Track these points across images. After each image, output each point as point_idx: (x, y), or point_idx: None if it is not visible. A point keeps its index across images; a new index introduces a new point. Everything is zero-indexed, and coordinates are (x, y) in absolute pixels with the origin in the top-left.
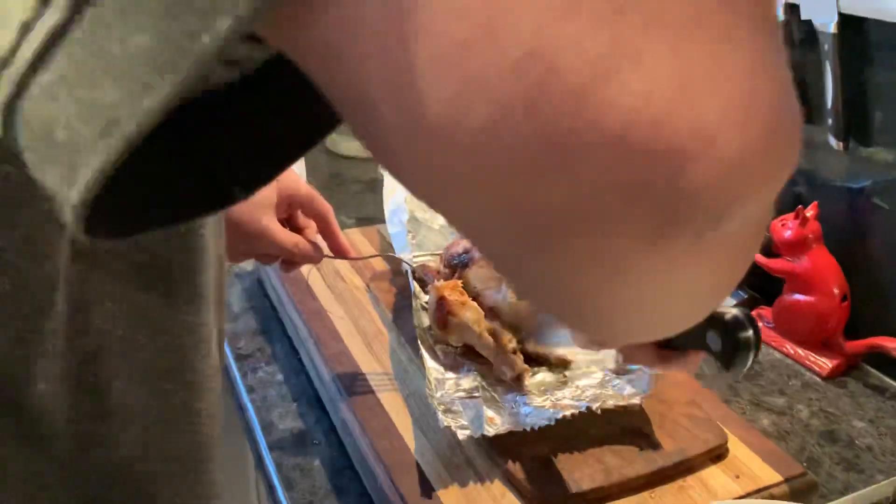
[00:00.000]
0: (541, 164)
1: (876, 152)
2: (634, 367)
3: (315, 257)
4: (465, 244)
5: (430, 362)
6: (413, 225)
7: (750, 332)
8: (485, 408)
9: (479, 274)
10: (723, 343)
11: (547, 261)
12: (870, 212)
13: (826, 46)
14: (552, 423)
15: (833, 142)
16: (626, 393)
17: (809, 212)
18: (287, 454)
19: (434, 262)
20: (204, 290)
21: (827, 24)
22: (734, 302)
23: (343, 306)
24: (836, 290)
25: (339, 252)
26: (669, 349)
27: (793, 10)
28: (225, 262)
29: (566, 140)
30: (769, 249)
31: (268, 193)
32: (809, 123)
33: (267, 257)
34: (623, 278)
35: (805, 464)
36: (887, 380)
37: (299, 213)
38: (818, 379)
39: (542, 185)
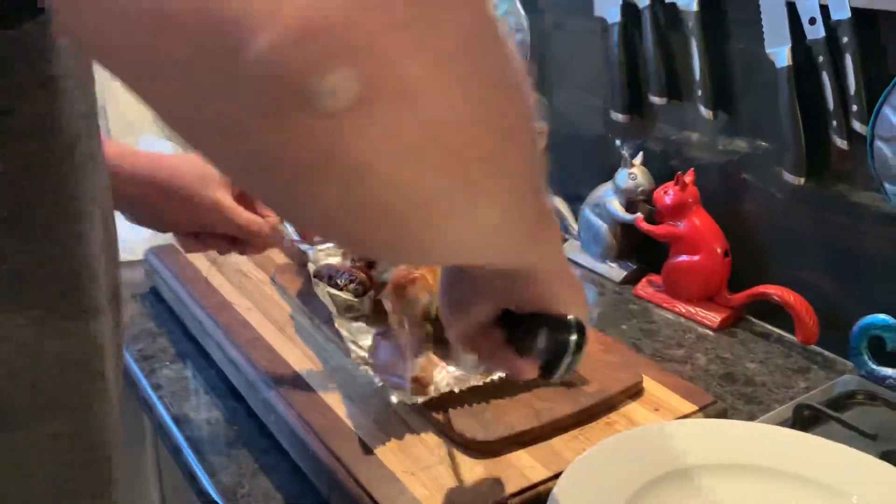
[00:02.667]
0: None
1: (739, 117)
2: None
3: (275, 241)
4: None
5: (344, 334)
6: None
7: (572, 337)
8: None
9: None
10: (546, 343)
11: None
12: (736, 174)
13: (690, 24)
14: (480, 384)
15: (704, 111)
16: None
17: (688, 177)
18: (207, 443)
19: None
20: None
21: (689, 3)
22: (624, 273)
23: (249, 299)
24: (718, 248)
25: (305, 234)
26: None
27: None
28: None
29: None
30: (652, 218)
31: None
32: (680, 99)
33: (219, 241)
34: (274, 154)
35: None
36: (769, 327)
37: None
38: (710, 332)
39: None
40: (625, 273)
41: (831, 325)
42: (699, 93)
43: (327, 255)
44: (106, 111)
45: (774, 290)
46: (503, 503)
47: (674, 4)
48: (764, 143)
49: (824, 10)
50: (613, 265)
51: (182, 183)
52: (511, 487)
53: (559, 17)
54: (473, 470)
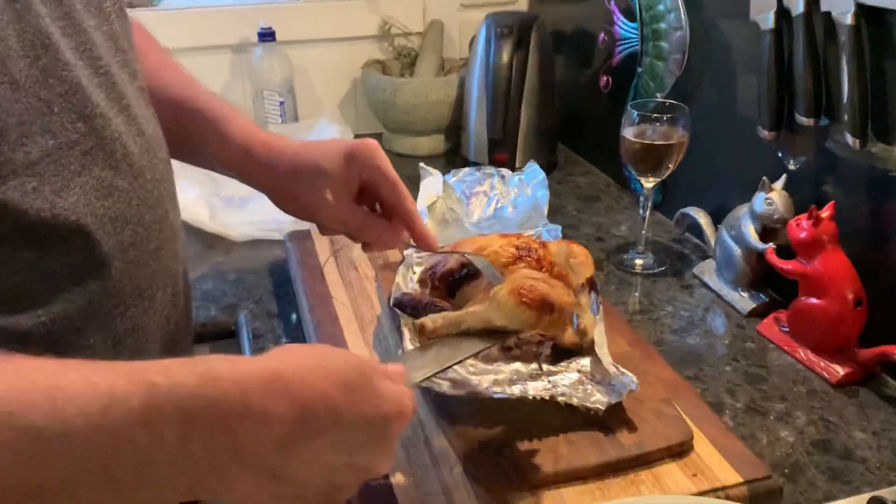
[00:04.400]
0: None
1: (893, 149)
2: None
3: (391, 242)
4: (457, 258)
5: (406, 335)
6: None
7: None
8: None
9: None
10: None
11: None
12: (890, 213)
13: (843, 38)
14: (511, 398)
15: (850, 139)
16: (592, 399)
17: (825, 212)
18: None
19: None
20: None
21: (845, 14)
22: (753, 305)
23: (349, 293)
24: (849, 295)
25: (422, 241)
26: None
27: (814, 1)
28: None
29: None
30: (788, 250)
31: (331, 166)
32: (830, 121)
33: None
34: None
35: (787, 471)
36: None
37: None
38: (828, 387)
39: None
40: (754, 305)
41: None
42: (845, 117)
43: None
44: (294, 93)
45: None
46: None
47: (829, 14)
48: None
49: None
50: (744, 294)
51: (298, 177)
52: None
53: (716, 18)
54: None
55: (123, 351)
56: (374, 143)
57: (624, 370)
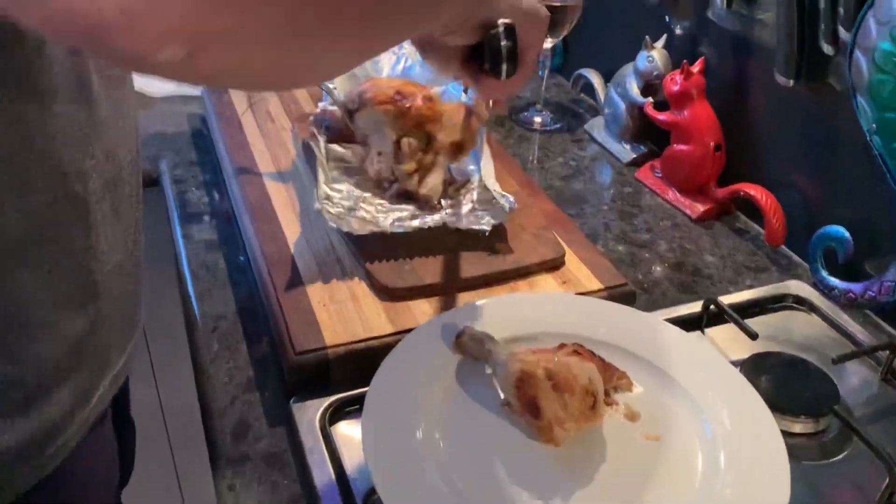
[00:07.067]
0: None
1: (756, 8)
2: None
3: None
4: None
5: (321, 176)
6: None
7: (503, 43)
8: (355, 213)
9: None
10: (489, 53)
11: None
12: (750, 69)
13: None
14: (409, 231)
15: (718, 2)
16: (482, 222)
17: (695, 68)
18: (198, 255)
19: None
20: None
21: None
22: (634, 155)
23: (266, 142)
24: (710, 141)
25: None
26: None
27: None
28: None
29: None
30: (665, 105)
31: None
32: None
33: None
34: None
35: (645, 285)
36: (753, 224)
37: None
38: (689, 221)
39: None
40: (634, 155)
41: (807, 230)
42: None
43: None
44: None
45: (750, 189)
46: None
47: None
48: (769, 43)
49: None
50: (627, 146)
51: None
52: (394, 327)
53: None
54: (374, 309)
55: None
56: None
57: (504, 193)
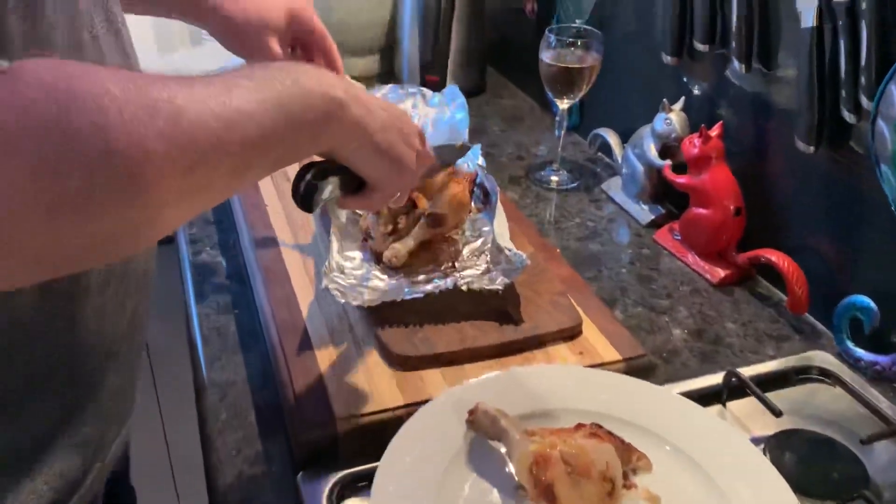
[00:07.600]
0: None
1: (773, 75)
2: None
3: None
4: None
5: (334, 245)
6: None
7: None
8: (367, 283)
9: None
10: (304, 187)
11: None
12: (769, 132)
13: None
14: (422, 296)
15: (736, 64)
16: (497, 282)
17: (714, 131)
18: (210, 318)
19: None
20: None
21: None
22: (652, 216)
23: (282, 202)
24: (730, 205)
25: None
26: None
27: None
28: None
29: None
30: (684, 168)
31: (276, 15)
32: (719, 46)
33: None
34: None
35: (665, 354)
36: (774, 289)
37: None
38: (709, 286)
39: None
40: (652, 216)
41: (831, 297)
42: (734, 44)
43: None
44: None
45: (772, 255)
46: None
47: None
48: (788, 106)
49: None
50: (645, 207)
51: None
52: (405, 399)
53: None
54: (385, 379)
55: None
56: (310, 8)
57: (518, 252)
